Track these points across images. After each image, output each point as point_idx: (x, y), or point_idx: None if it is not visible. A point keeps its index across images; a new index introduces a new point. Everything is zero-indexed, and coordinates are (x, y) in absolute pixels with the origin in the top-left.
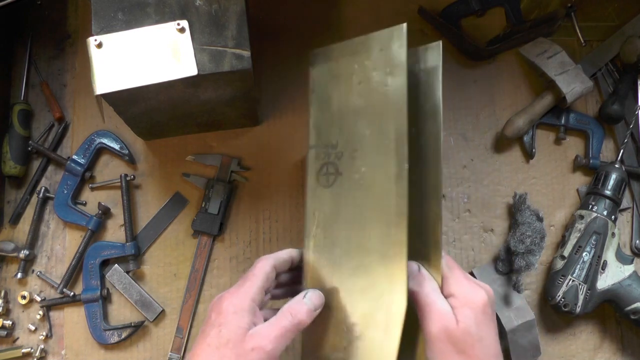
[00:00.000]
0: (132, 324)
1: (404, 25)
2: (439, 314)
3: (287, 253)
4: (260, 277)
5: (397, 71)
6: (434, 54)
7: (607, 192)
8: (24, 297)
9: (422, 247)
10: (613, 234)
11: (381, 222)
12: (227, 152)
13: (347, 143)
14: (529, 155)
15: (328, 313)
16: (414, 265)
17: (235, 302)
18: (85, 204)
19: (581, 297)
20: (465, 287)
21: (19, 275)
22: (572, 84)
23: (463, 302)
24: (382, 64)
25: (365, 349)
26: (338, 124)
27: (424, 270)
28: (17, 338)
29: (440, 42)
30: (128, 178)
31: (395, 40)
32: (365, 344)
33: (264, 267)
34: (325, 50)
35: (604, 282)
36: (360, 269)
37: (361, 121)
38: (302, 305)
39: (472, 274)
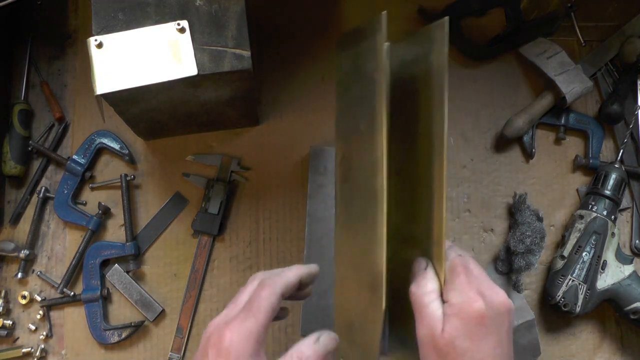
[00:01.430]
0: (132, 324)
1: (384, 13)
2: (428, 319)
3: (295, 275)
4: (267, 312)
5: (379, 62)
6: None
7: (607, 192)
8: (24, 297)
9: (431, 246)
10: (613, 234)
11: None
12: (227, 152)
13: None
14: (528, 155)
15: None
16: (423, 262)
17: (239, 345)
18: (85, 204)
19: (581, 297)
20: (464, 294)
21: (19, 275)
22: (572, 84)
23: (455, 310)
24: (367, 53)
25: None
26: (351, 112)
27: (429, 270)
28: (18, 338)
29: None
30: (128, 178)
31: (378, 30)
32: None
33: (270, 299)
34: (343, 36)
35: (603, 282)
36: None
37: (358, 109)
38: (313, 351)
39: None
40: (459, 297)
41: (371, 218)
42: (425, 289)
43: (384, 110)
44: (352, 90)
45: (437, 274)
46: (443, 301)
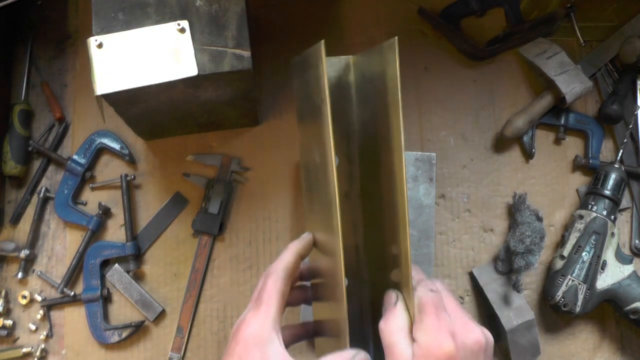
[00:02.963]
0: (133, 324)
1: (322, 42)
2: (397, 358)
3: (292, 253)
4: (275, 298)
5: (323, 89)
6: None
7: (607, 192)
8: (24, 297)
9: (401, 278)
10: (612, 234)
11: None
12: (227, 152)
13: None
14: (528, 155)
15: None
16: (393, 296)
17: (255, 332)
18: (85, 204)
19: (581, 297)
20: (431, 335)
21: (20, 275)
22: (572, 84)
23: (423, 352)
24: (313, 83)
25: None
26: (307, 139)
27: (399, 305)
28: (18, 338)
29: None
30: (128, 178)
31: (319, 57)
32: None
33: (276, 285)
34: (294, 61)
35: (603, 281)
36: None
37: (312, 139)
38: None
39: (471, 274)
40: (428, 338)
41: (333, 250)
42: (394, 326)
43: (332, 146)
44: (306, 119)
45: (407, 309)
46: (413, 339)
